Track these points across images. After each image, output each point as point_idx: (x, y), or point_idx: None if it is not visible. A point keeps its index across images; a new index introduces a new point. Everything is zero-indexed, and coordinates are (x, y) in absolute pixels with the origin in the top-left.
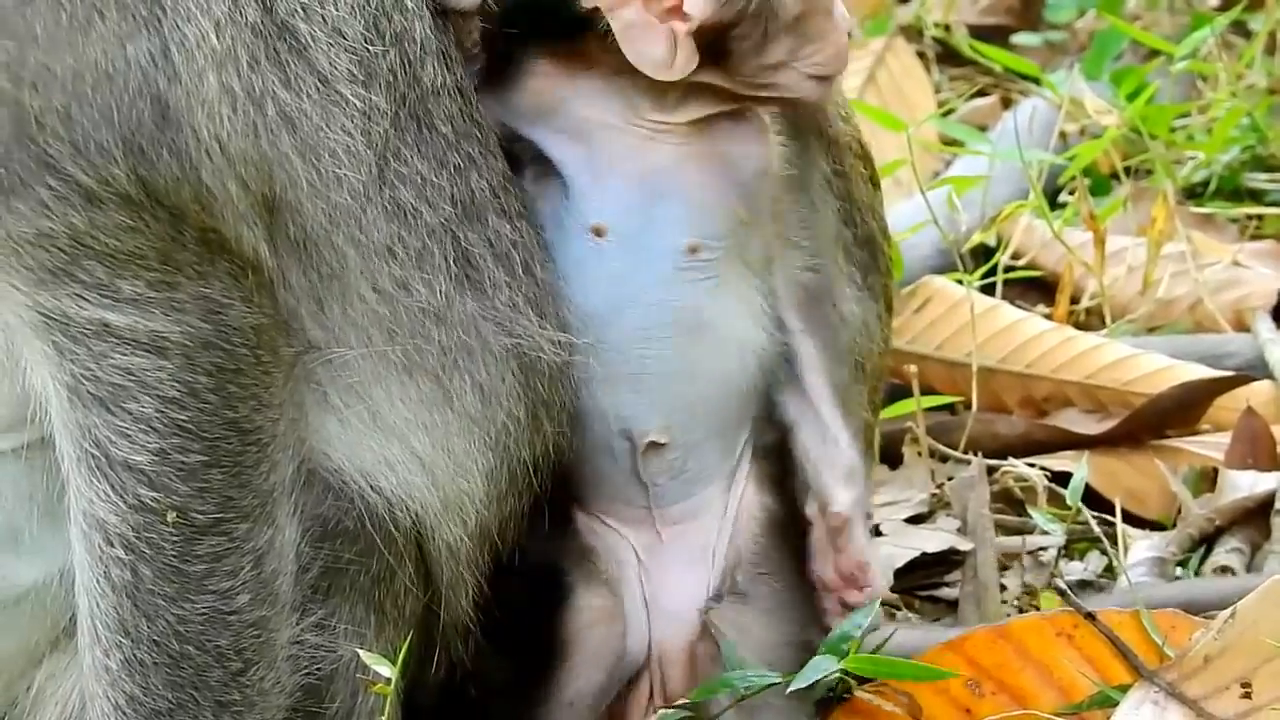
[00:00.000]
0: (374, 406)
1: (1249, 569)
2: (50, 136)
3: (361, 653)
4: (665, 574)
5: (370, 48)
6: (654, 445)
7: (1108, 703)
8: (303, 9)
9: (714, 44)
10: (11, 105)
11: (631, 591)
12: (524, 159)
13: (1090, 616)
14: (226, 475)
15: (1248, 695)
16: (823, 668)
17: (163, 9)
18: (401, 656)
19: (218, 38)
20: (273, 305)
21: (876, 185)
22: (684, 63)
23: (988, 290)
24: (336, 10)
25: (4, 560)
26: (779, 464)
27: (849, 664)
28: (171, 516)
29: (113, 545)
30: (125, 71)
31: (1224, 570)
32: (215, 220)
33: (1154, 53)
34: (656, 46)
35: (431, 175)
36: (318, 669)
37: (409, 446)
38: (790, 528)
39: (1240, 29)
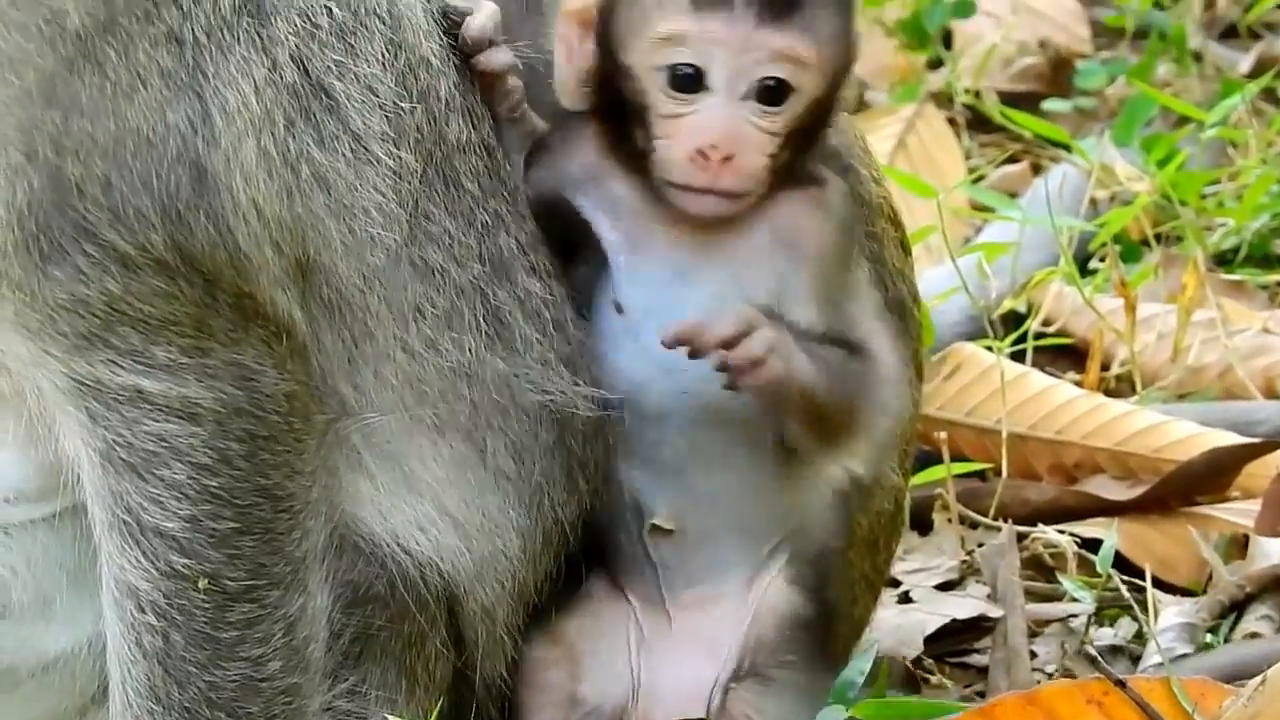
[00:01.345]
0: (406, 467)
1: None
2: (90, 204)
3: (391, 718)
4: (666, 656)
5: (400, 105)
6: (659, 529)
7: None
8: (336, 67)
9: None
10: (53, 173)
11: (618, 662)
12: (569, 222)
13: (1121, 684)
14: (258, 542)
15: None
16: (830, 718)
17: (204, 74)
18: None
19: (257, 101)
20: (305, 371)
21: (907, 250)
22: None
23: (1018, 357)
24: (369, 68)
25: (35, 628)
26: (817, 572)
27: (857, 711)
28: (203, 583)
29: (144, 612)
30: (165, 137)
31: (1254, 636)
32: (250, 285)
33: (1184, 119)
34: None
35: (459, 234)
36: None
37: (442, 507)
38: (820, 629)
39: (1270, 96)
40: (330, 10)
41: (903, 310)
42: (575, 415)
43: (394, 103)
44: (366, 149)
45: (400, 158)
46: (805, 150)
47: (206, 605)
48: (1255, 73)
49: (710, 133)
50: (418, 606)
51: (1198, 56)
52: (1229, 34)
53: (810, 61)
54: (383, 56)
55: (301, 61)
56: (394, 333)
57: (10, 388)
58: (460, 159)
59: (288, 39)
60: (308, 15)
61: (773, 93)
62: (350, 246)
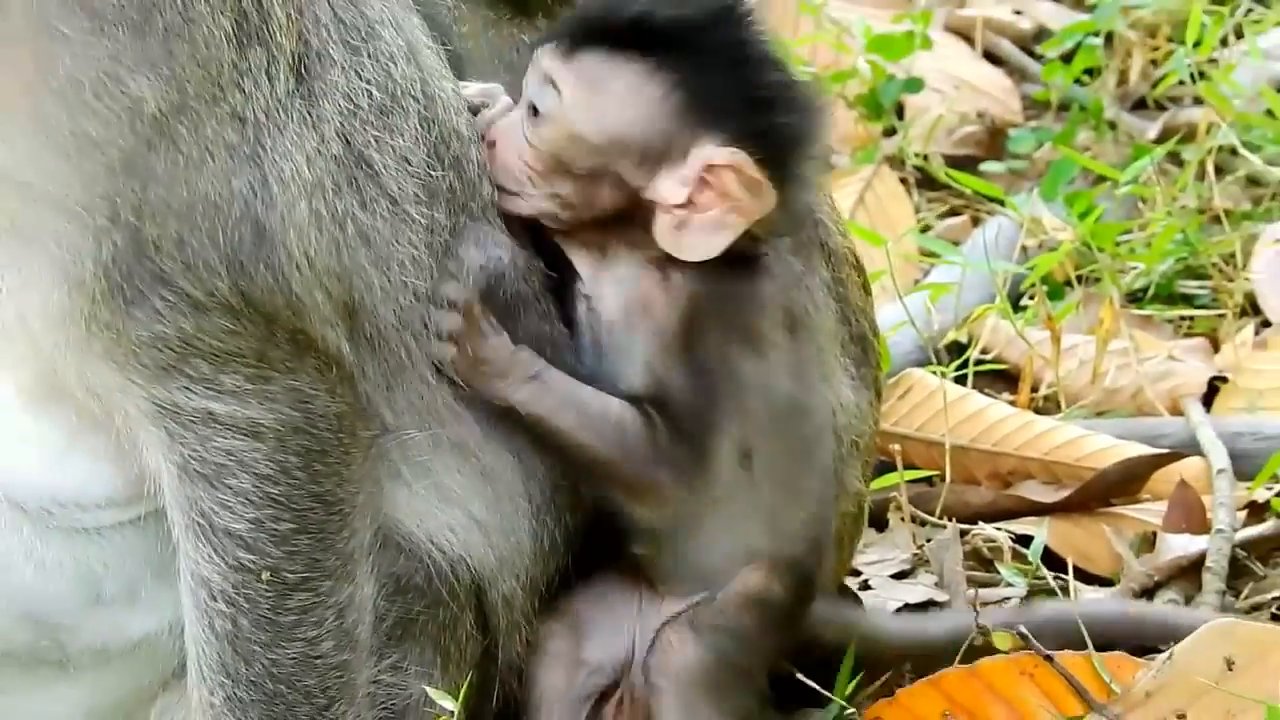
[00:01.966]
0: (437, 479)
1: None
2: (165, 258)
3: (429, 690)
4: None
5: (432, 171)
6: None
7: None
8: (375, 141)
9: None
10: (134, 233)
11: (621, 629)
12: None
13: (1049, 658)
14: (313, 540)
15: None
16: None
17: (263, 148)
18: (463, 693)
19: (308, 169)
20: (353, 394)
21: (868, 291)
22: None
23: (960, 380)
24: (403, 140)
25: (123, 614)
26: (795, 571)
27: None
28: (266, 576)
29: (216, 600)
30: (230, 201)
31: None
32: (304, 323)
33: (1101, 178)
34: (713, 238)
35: None
36: (392, 705)
37: (467, 513)
38: (790, 610)
39: (1175, 159)
40: (370, 93)
41: (864, 342)
42: None
43: (426, 170)
44: (403, 210)
45: (432, 216)
46: (602, 212)
47: (269, 594)
48: (1162, 138)
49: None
50: (450, 595)
51: (1112, 125)
52: (1139, 105)
53: (568, 96)
54: (416, 130)
55: (346, 136)
56: (420, 368)
57: (101, 410)
58: (491, 214)
59: (333, 118)
60: (350, 97)
61: (534, 110)
62: (389, 291)
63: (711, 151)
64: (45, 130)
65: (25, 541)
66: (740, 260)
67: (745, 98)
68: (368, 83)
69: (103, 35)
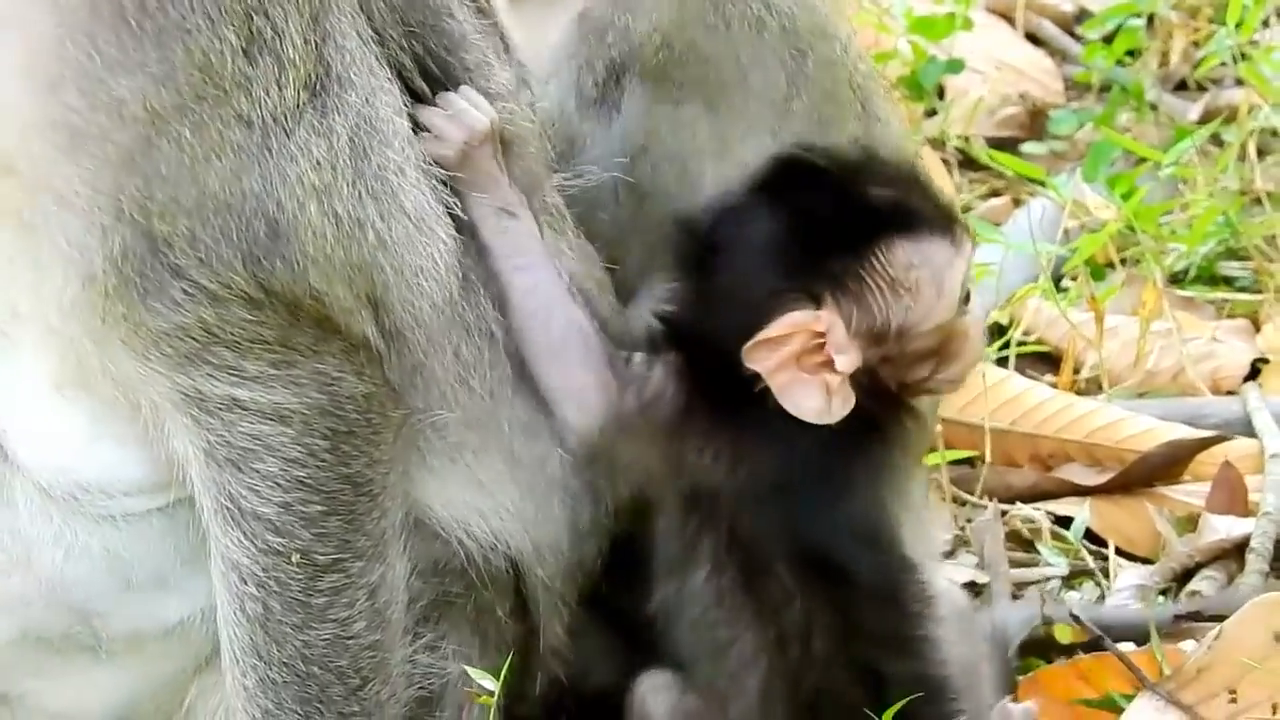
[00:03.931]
0: (467, 470)
1: None
2: (178, 252)
3: (468, 669)
4: None
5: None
6: None
7: (1114, 706)
8: (393, 163)
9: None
10: (143, 229)
11: None
12: None
13: (1101, 638)
14: (343, 522)
15: (1234, 700)
16: None
17: (269, 150)
18: (503, 674)
19: (316, 175)
20: (381, 376)
21: None
22: (840, 407)
23: (1002, 362)
24: (416, 163)
25: (155, 600)
26: None
27: None
28: (296, 558)
29: (246, 583)
30: (241, 199)
31: (1194, 594)
32: (327, 310)
33: (1142, 160)
34: (814, 399)
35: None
36: (430, 684)
37: (497, 501)
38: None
39: (1216, 140)
40: (393, 120)
41: None
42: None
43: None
44: (424, 224)
45: (452, 235)
46: None
47: (299, 576)
48: (1203, 120)
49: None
50: (486, 580)
51: (1154, 106)
52: (1180, 87)
53: None
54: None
55: (362, 150)
56: (442, 368)
57: (126, 398)
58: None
59: (344, 131)
60: (369, 120)
61: None
62: (413, 288)
63: None
64: (38, 121)
65: (55, 528)
66: None
67: None
68: (388, 106)
69: (93, 32)
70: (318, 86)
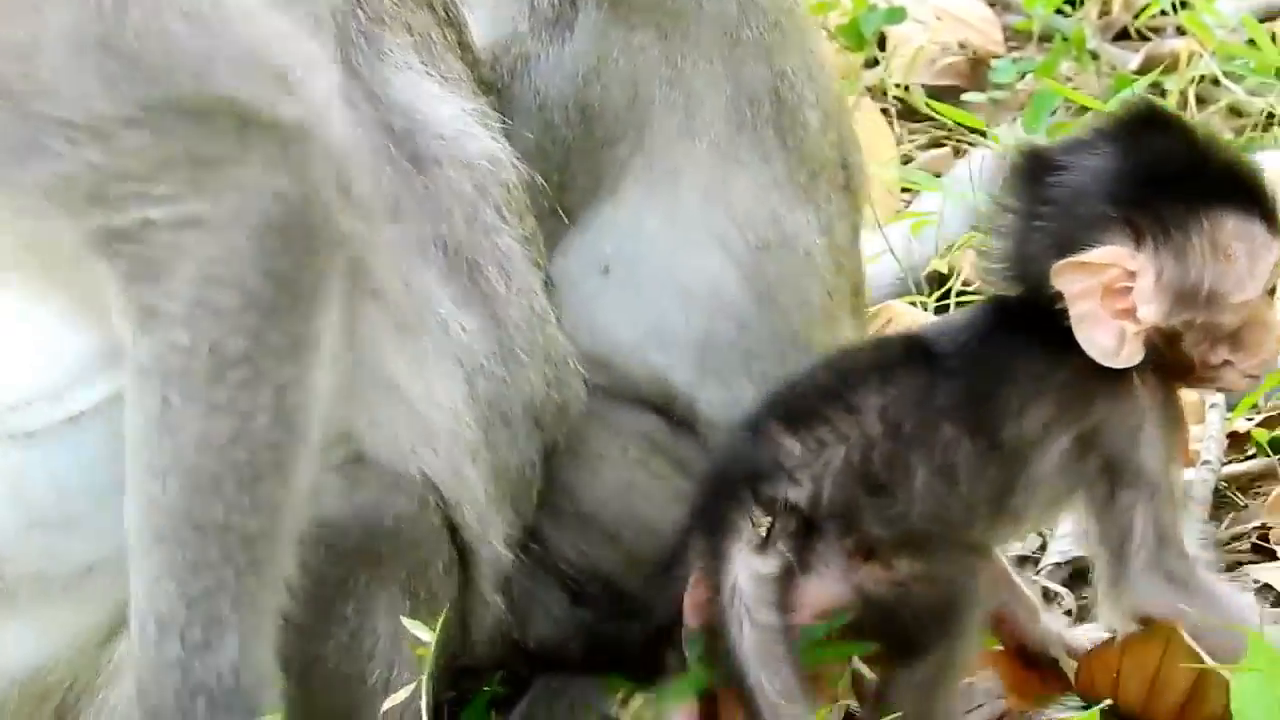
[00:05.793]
0: (401, 393)
1: None
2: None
3: (404, 619)
4: None
5: None
6: None
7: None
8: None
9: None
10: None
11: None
12: None
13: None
14: (260, 317)
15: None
16: None
17: None
18: (438, 626)
19: None
20: (319, 176)
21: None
22: (1128, 356)
23: (942, 311)
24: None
25: (61, 540)
26: None
27: None
28: (204, 350)
29: (149, 379)
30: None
31: None
32: (244, 108)
33: (1083, 109)
34: (1108, 338)
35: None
36: (362, 643)
37: (433, 432)
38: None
39: (1157, 89)
40: None
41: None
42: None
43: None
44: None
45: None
46: None
47: (204, 369)
48: (1143, 69)
49: None
50: (420, 513)
51: (1094, 55)
52: (1121, 36)
53: None
54: None
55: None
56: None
57: (41, 269)
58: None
59: None
60: None
61: None
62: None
63: None
64: None
65: None
66: None
67: None
68: None
69: None
70: None
